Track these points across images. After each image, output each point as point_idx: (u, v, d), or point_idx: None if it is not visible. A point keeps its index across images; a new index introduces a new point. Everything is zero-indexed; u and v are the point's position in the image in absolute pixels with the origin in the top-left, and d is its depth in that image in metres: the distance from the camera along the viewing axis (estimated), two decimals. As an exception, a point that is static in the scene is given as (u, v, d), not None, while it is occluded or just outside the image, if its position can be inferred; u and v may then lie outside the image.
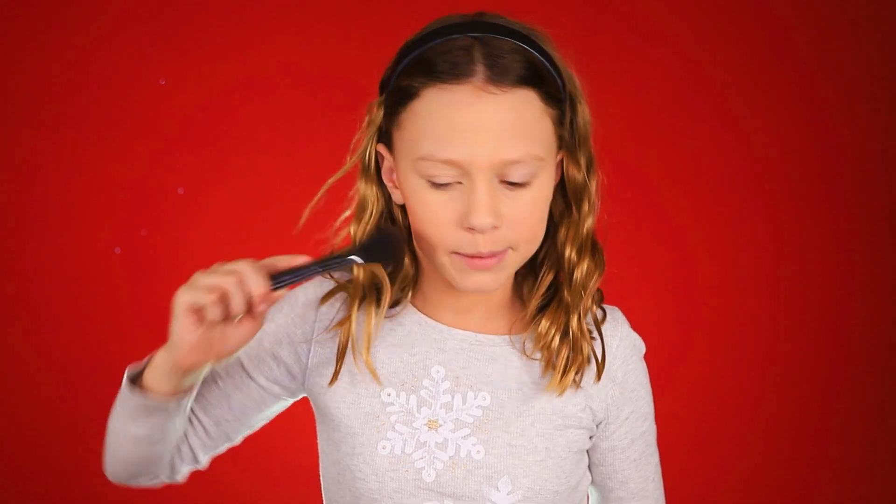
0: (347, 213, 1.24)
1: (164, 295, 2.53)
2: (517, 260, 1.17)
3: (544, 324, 1.21)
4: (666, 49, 2.42)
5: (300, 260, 1.10)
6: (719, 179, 2.45)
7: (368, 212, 1.21)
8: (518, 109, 1.11)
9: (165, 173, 2.36)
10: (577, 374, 1.21)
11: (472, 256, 1.13)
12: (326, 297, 1.25)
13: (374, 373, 1.21)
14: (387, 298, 1.22)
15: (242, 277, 1.07)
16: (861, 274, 2.48)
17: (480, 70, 1.10)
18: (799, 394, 2.49)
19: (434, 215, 1.13)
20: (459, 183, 1.12)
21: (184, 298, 1.08)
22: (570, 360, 1.20)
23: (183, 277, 2.66)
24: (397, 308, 1.24)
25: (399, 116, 1.14)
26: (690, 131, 2.43)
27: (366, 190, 1.21)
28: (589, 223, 1.21)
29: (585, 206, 1.21)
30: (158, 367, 1.18)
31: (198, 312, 1.08)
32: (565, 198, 1.21)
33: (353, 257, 1.13)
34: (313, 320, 1.25)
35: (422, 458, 1.19)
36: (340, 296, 1.25)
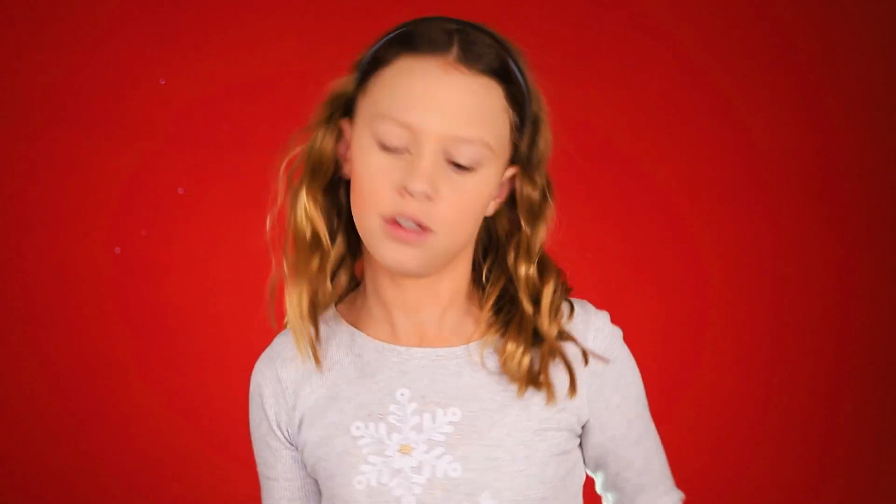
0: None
1: (164, 295, 2.54)
2: (438, 246, 1.15)
3: (511, 347, 1.19)
4: (666, 48, 2.41)
5: None
6: (720, 179, 2.45)
7: (323, 169, 1.21)
8: (480, 95, 1.14)
9: (165, 173, 2.35)
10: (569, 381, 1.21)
11: (397, 225, 1.13)
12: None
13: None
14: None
15: None
16: (864, 272, 2.48)
17: (455, 50, 1.14)
18: (805, 392, 2.48)
19: (375, 176, 1.14)
20: (408, 152, 1.13)
21: None
22: (542, 371, 1.19)
23: (182, 278, 2.66)
24: (329, 312, 1.25)
25: (368, 83, 1.17)
26: (691, 131, 2.43)
27: (322, 143, 1.21)
28: (541, 242, 1.21)
29: (542, 228, 1.21)
30: None
31: None
32: (513, 218, 1.21)
33: None
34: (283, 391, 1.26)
35: (399, 485, 1.17)
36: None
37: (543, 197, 1.21)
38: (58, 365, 2.37)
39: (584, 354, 1.21)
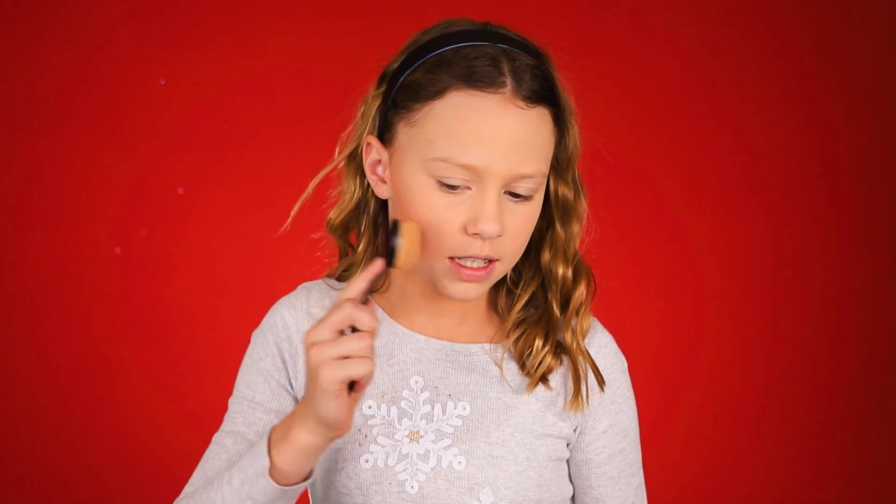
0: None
1: (164, 295, 2.54)
2: (501, 272, 1.18)
3: (538, 343, 1.21)
4: (666, 49, 2.42)
5: (369, 274, 1.08)
6: (719, 180, 2.45)
7: (347, 198, 1.23)
8: (537, 126, 1.14)
9: (165, 173, 2.36)
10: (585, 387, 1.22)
11: (465, 267, 1.14)
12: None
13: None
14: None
15: (363, 328, 1.05)
16: (862, 272, 2.48)
17: (509, 83, 1.12)
18: (803, 392, 2.49)
19: (441, 217, 1.13)
20: (468, 188, 1.13)
21: (335, 376, 1.04)
22: (578, 378, 1.21)
23: (182, 278, 2.65)
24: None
25: (413, 112, 1.15)
26: (691, 131, 2.44)
27: (347, 178, 1.23)
28: (576, 243, 1.23)
29: (576, 226, 1.22)
30: (305, 449, 1.10)
31: (345, 383, 1.05)
32: (547, 216, 1.22)
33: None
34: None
35: (404, 469, 1.19)
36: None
37: (576, 196, 1.22)
38: (58, 365, 2.37)
39: (595, 368, 1.23)
